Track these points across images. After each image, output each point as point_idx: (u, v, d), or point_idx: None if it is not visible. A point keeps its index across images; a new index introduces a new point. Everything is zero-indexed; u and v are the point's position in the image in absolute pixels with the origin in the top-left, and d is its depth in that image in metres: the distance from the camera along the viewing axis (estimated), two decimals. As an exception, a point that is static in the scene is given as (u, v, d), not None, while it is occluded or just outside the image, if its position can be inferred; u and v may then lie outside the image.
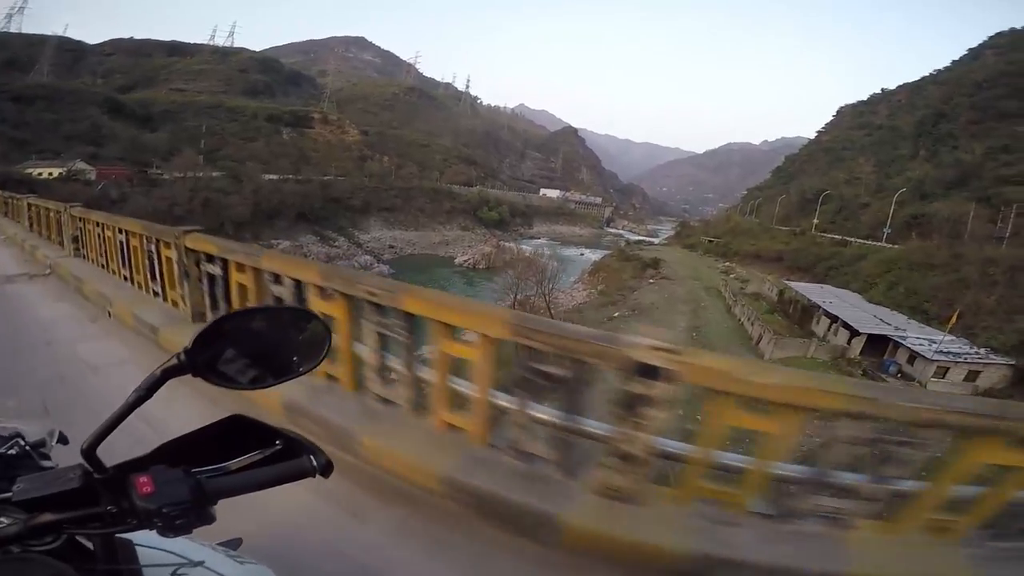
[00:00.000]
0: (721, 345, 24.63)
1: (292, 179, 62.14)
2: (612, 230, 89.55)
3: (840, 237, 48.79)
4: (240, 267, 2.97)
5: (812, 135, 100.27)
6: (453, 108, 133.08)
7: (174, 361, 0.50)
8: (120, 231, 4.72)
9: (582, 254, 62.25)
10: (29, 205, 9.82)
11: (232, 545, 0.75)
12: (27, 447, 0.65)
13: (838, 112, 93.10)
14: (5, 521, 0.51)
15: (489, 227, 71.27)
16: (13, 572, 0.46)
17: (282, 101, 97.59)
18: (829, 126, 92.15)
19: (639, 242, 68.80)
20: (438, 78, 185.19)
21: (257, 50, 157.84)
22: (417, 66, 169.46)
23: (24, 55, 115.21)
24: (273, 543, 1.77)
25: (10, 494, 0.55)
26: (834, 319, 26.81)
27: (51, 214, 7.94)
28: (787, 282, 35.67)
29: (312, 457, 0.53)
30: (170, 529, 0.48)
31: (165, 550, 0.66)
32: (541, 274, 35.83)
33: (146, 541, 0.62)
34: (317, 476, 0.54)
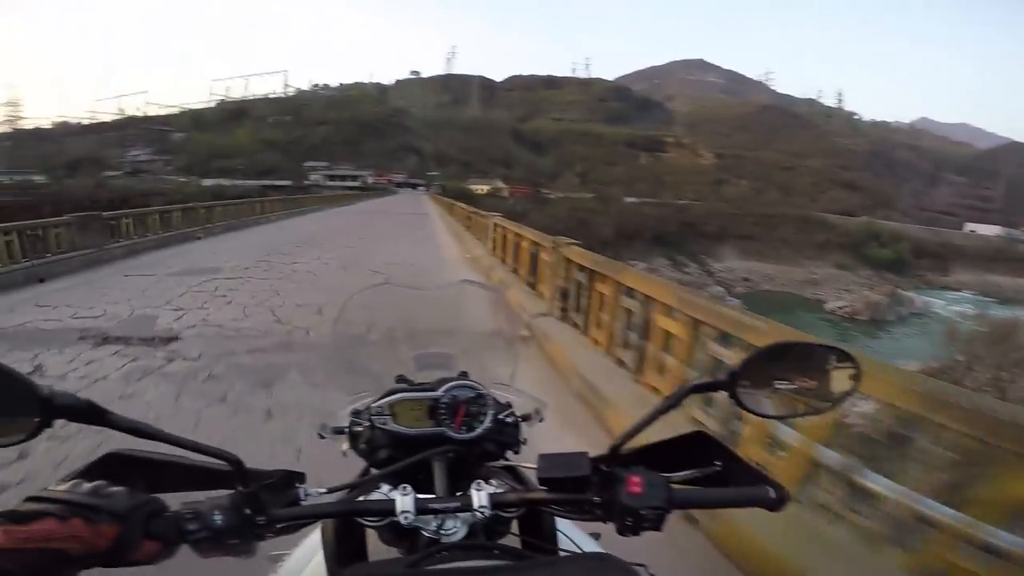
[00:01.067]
0: None
1: (649, 202, 66.63)
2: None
3: None
4: None
5: None
6: (823, 126, 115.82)
7: (711, 378, 0.53)
8: (677, 313, 2.82)
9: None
10: (495, 226, 8.91)
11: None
12: (518, 418, 0.71)
13: None
14: (510, 487, 0.57)
15: (878, 268, 57.75)
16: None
17: (636, 126, 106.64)
18: None
19: None
20: (796, 94, 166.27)
21: (610, 79, 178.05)
22: (769, 83, 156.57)
23: (459, 93, 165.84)
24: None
25: (516, 464, 0.64)
26: None
27: (524, 243, 6.64)
28: None
29: (771, 488, 0.52)
30: (637, 530, 0.50)
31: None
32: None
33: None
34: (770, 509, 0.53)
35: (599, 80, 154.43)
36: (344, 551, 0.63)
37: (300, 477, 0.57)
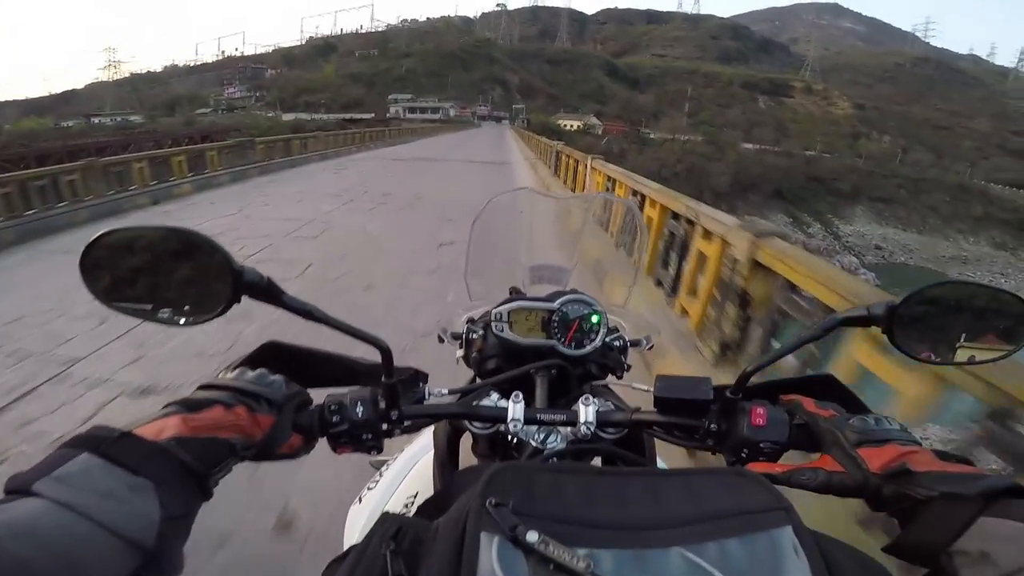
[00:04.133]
0: None
1: (770, 151, 63.07)
2: None
3: None
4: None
5: None
6: (995, 86, 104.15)
7: (862, 312, 0.49)
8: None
9: None
10: (588, 167, 8.23)
11: None
12: (627, 342, 0.73)
13: None
14: (615, 406, 0.60)
15: (1048, 254, 52.38)
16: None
17: (755, 68, 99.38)
18: None
19: None
20: (959, 50, 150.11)
21: (724, 16, 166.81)
22: (926, 36, 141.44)
23: (547, 25, 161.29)
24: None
25: (622, 384, 0.68)
26: None
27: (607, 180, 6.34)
28: None
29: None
30: (749, 461, 0.51)
31: None
32: None
33: None
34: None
35: (711, 16, 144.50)
36: (451, 456, 0.68)
37: (424, 377, 0.60)
